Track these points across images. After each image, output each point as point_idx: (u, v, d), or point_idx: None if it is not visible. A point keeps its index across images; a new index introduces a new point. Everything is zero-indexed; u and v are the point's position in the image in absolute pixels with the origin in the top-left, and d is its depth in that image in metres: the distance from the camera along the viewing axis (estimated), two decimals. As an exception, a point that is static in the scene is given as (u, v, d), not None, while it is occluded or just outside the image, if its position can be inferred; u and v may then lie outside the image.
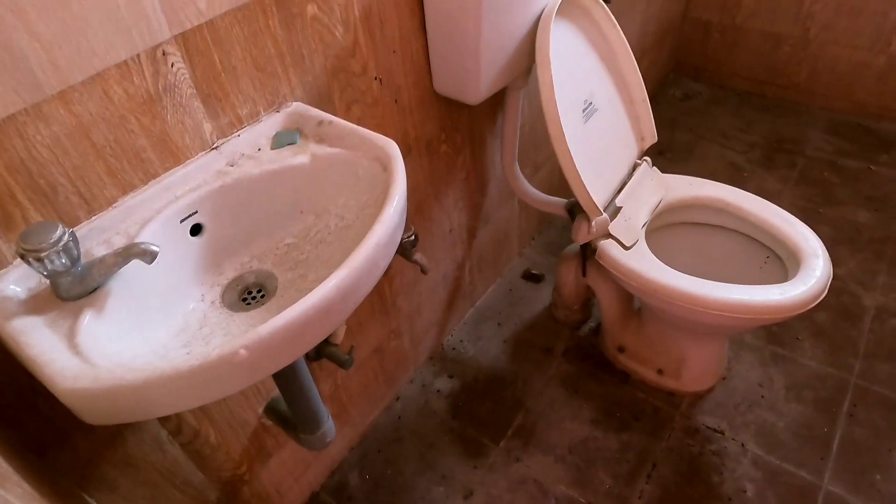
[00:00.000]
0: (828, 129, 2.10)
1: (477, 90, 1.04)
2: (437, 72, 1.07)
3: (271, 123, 0.82)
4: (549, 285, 1.69)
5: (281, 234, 0.80)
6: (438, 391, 1.48)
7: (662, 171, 1.38)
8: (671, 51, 2.33)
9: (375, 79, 0.99)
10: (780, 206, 1.28)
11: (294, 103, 0.85)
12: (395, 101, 1.05)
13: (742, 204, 1.28)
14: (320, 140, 0.80)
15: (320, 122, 0.81)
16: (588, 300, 1.55)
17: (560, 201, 1.35)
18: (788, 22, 2.06)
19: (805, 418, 1.35)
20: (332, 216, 0.80)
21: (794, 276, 1.14)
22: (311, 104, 0.88)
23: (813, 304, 1.10)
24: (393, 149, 0.75)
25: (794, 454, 1.29)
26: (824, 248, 1.17)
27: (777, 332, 1.52)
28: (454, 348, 1.57)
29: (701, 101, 2.31)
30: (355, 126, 0.79)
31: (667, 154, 2.08)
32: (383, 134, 1.06)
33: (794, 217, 1.24)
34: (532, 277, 1.72)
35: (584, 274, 1.40)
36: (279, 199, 0.79)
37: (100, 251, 0.65)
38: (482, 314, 1.65)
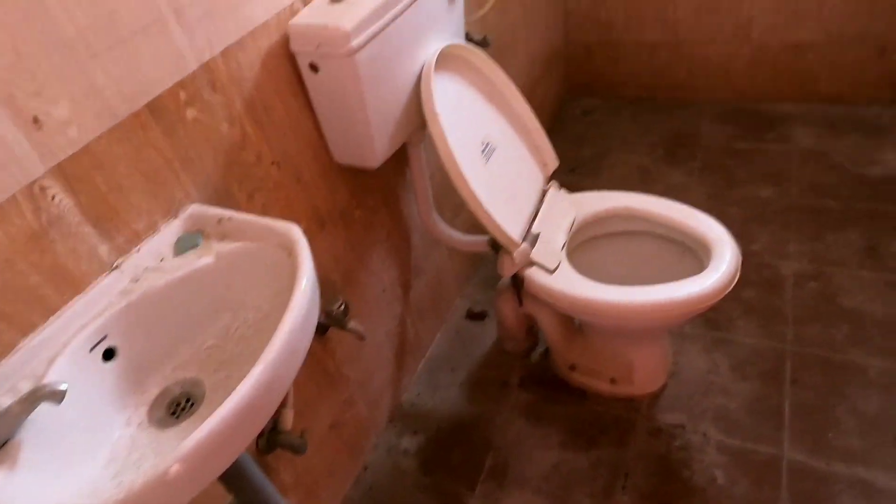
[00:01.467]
0: (717, 119, 2.25)
1: (374, 155, 1.07)
2: (333, 144, 1.10)
3: (171, 230, 0.82)
4: (493, 320, 1.72)
5: (201, 338, 0.80)
6: (405, 451, 1.46)
7: (577, 187, 1.45)
8: (562, 74, 2.46)
9: (273, 163, 1.01)
10: (689, 197, 1.36)
11: (192, 206, 0.86)
12: (298, 180, 1.07)
13: (647, 207, 1.35)
14: (223, 237, 0.81)
15: (220, 220, 0.82)
16: (531, 327, 1.58)
17: (482, 239, 1.39)
18: (658, 30, 2.23)
19: (755, 394, 1.41)
20: (248, 310, 0.80)
21: (707, 264, 1.21)
22: (209, 202, 0.88)
23: (730, 287, 1.17)
24: (295, 233, 0.76)
25: (752, 431, 1.34)
26: (728, 233, 1.25)
27: (713, 317, 1.59)
28: (413, 403, 1.56)
29: (600, 115, 2.44)
30: (255, 217, 0.80)
31: (578, 170, 2.18)
32: (293, 214, 1.07)
33: (696, 210, 1.31)
34: (475, 316, 1.74)
35: (520, 304, 1.44)
36: (192, 304, 0.79)
37: (6, 401, 0.63)
38: (434, 363, 1.65)
